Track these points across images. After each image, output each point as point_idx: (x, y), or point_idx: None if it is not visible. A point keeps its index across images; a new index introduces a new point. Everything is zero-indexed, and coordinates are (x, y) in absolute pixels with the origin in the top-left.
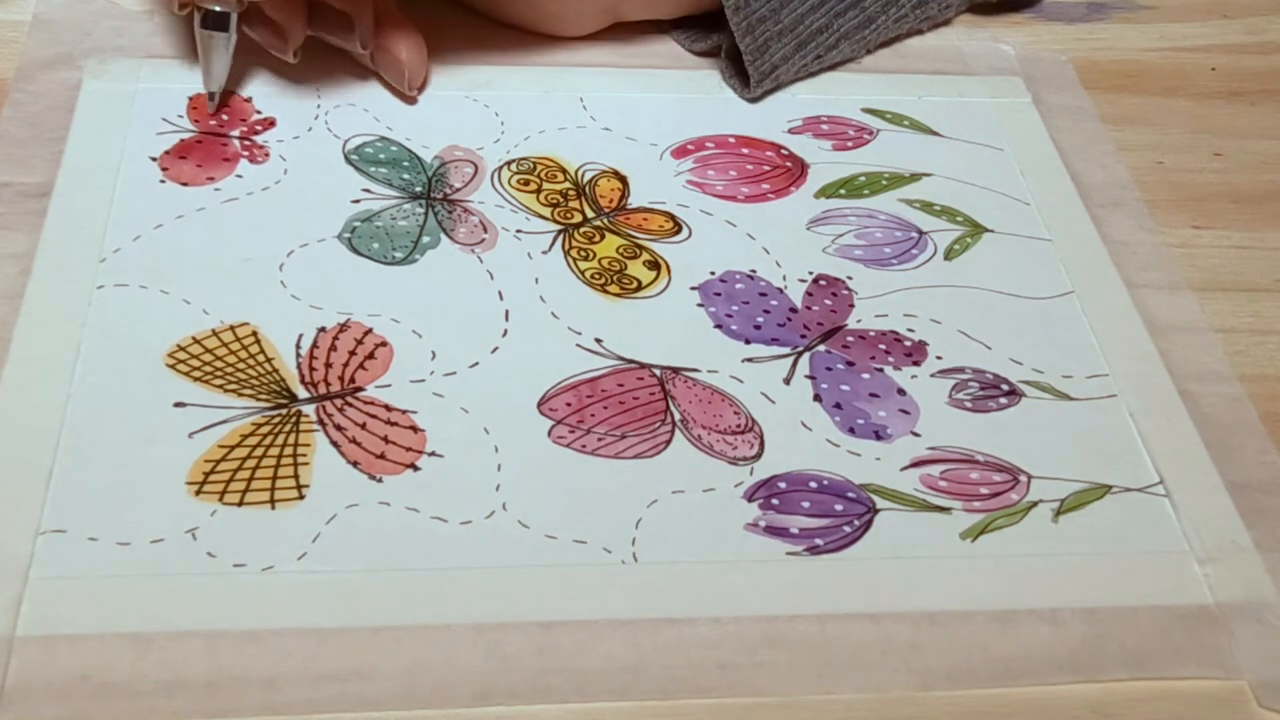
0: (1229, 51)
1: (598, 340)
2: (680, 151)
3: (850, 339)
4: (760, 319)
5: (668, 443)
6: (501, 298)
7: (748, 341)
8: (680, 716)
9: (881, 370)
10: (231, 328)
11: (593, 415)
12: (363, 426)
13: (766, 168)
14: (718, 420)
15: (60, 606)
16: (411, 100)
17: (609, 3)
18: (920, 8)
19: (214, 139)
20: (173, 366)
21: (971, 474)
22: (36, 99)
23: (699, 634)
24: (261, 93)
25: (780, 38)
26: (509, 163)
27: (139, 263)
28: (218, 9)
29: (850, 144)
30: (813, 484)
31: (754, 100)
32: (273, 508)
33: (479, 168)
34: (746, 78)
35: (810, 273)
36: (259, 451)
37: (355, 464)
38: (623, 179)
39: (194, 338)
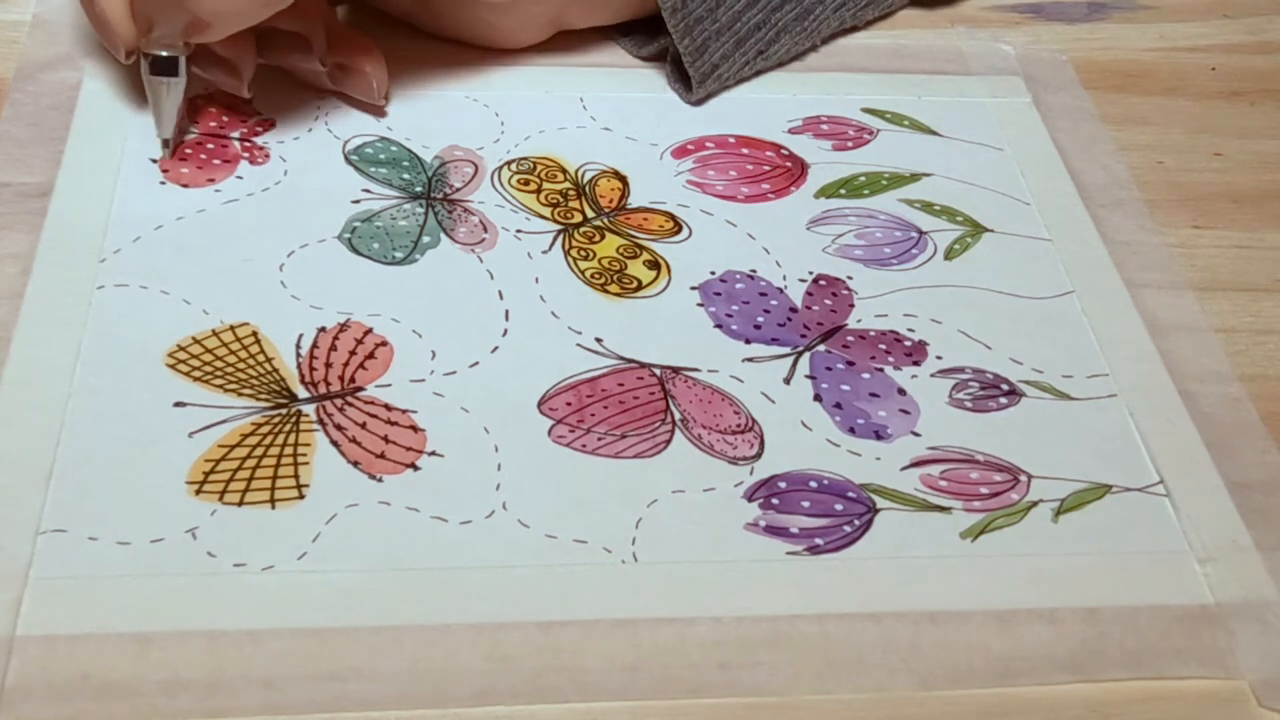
0: (1229, 51)
1: (598, 340)
2: (680, 151)
3: (850, 339)
4: (760, 319)
5: (668, 442)
6: (501, 297)
7: (748, 341)
8: (680, 716)
9: (882, 370)
10: (231, 328)
11: (593, 415)
12: (363, 426)
13: (766, 168)
14: (718, 420)
15: (60, 606)
16: (381, 113)
17: (552, 14)
18: None
19: (214, 140)
20: (173, 366)
21: (971, 474)
22: (36, 99)
23: (699, 634)
24: (261, 94)
25: (718, 36)
26: (509, 162)
27: (139, 263)
28: (165, 54)
29: (850, 144)
30: (813, 484)
31: (697, 103)
32: (273, 507)
33: (479, 168)
34: (689, 81)
35: (810, 272)
36: (259, 451)
37: (355, 464)
38: (623, 179)
39: (194, 338)
